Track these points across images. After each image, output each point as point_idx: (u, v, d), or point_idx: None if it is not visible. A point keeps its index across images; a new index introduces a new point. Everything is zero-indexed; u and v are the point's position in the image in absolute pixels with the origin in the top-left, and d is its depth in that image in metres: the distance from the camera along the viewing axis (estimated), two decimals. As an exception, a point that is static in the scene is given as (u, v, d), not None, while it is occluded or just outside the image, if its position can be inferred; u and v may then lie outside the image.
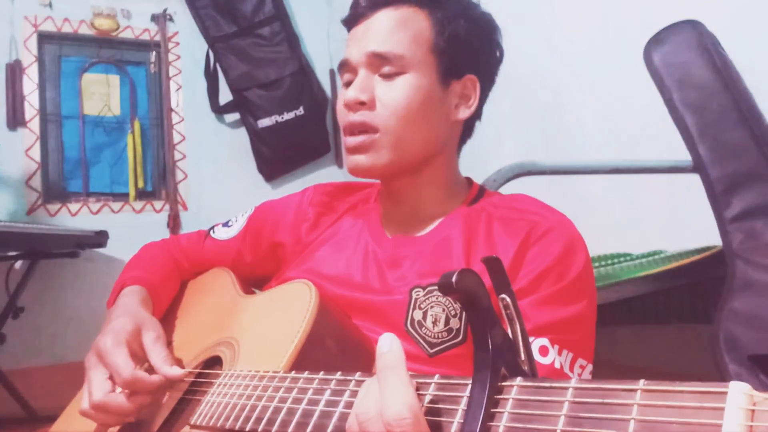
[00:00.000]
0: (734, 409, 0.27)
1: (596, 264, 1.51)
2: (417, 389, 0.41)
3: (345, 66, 0.78)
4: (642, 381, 0.31)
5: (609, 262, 1.51)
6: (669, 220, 1.58)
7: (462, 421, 0.37)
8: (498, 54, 0.83)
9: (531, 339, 0.64)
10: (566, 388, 0.34)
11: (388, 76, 0.74)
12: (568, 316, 0.67)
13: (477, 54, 0.79)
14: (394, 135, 0.74)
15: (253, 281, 0.92)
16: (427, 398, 0.40)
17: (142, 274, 0.87)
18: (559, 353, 0.65)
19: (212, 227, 0.97)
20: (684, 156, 1.14)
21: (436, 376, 0.41)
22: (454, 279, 0.37)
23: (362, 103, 0.74)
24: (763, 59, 1.26)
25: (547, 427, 0.33)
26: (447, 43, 0.75)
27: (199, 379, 0.70)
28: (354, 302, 0.74)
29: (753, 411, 0.27)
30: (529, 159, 1.31)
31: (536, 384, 0.36)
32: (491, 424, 0.36)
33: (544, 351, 0.64)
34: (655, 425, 0.30)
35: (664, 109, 1.15)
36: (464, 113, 0.79)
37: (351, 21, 0.80)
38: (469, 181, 0.86)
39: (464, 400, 0.38)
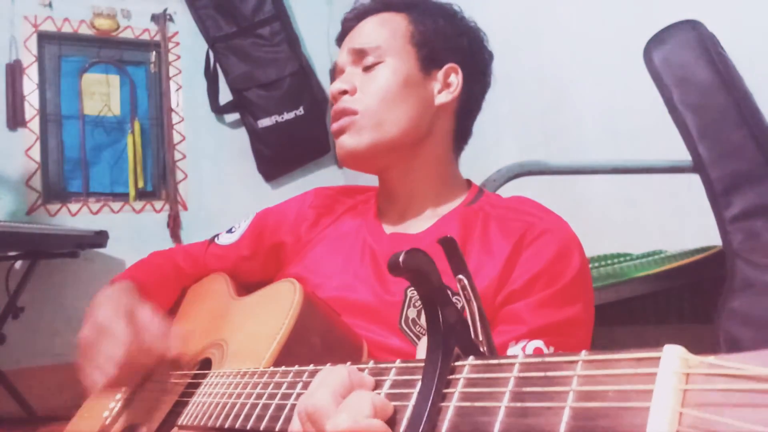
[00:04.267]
0: (667, 374, 0.27)
1: (596, 264, 1.51)
2: (378, 374, 0.41)
3: (334, 71, 0.85)
4: (584, 352, 0.31)
5: (609, 262, 1.51)
6: (669, 220, 1.58)
7: (414, 403, 0.36)
8: (485, 55, 0.86)
9: (525, 342, 0.64)
10: (512, 365, 0.34)
11: (368, 68, 0.80)
12: (564, 319, 0.67)
13: (456, 45, 0.83)
14: (373, 114, 0.77)
15: (255, 285, 0.93)
16: (387, 383, 0.40)
17: (133, 273, 0.88)
18: None
19: (216, 235, 0.98)
20: (684, 156, 1.14)
21: (398, 360, 0.41)
22: (401, 258, 0.36)
23: (344, 92, 0.80)
24: (763, 59, 1.26)
25: (493, 404, 0.33)
26: (424, 35, 0.81)
27: (194, 381, 0.70)
28: (349, 300, 0.75)
29: (688, 375, 0.26)
30: (529, 159, 1.31)
31: (486, 362, 0.36)
32: (442, 404, 0.35)
33: (538, 353, 0.64)
34: (592, 395, 0.29)
35: (664, 108, 1.15)
36: (447, 97, 0.81)
37: (341, 37, 0.87)
38: (468, 182, 0.87)
39: (419, 383, 0.38)
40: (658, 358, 0.28)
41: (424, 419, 0.34)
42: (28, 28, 2.67)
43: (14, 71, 2.61)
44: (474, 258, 0.71)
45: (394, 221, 0.83)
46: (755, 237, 1.05)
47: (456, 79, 0.81)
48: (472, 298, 0.40)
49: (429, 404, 0.35)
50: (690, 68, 1.12)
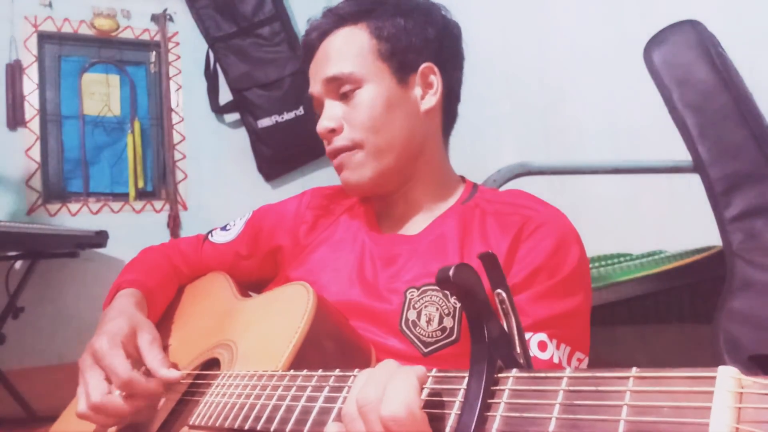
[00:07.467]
0: (723, 392, 0.28)
1: (596, 264, 1.51)
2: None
3: (312, 100, 0.83)
4: (634, 368, 0.32)
5: (609, 262, 1.51)
6: (669, 220, 1.58)
7: (459, 412, 0.37)
8: (455, 32, 0.83)
9: (529, 335, 0.65)
10: (561, 378, 0.35)
11: (346, 96, 0.78)
12: (565, 310, 0.68)
13: (423, 42, 0.80)
14: (371, 146, 0.77)
15: (251, 285, 0.93)
16: (425, 392, 0.41)
17: (139, 277, 0.86)
18: (557, 347, 0.65)
19: (210, 231, 0.97)
20: (684, 156, 1.14)
21: (434, 369, 0.42)
22: (451, 273, 0.37)
23: (332, 131, 0.78)
24: (763, 59, 1.26)
25: (543, 416, 0.34)
26: (390, 46, 0.78)
27: (197, 381, 0.70)
28: (350, 303, 0.74)
29: (741, 394, 0.28)
30: (529, 159, 1.31)
31: (532, 375, 0.37)
32: (488, 414, 0.36)
33: (542, 346, 0.65)
34: (647, 410, 0.30)
35: (664, 108, 1.15)
36: (431, 101, 0.80)
37: (306, 61, 0.84)
38: (462, 179, 0.87)
39: (461, 392, 0.38)
40: (714, 377, 0.29)
41: (473, 427, 0.35)
42: (28, 28, 2.67)
43: (14, 71, 2.61)
44: (474, 255, 0.71)
45: (391, 223, 0.84)
46: (755, 237, 1.05)
47: (435, 79, 0.80)
48: (511, 313, 0.41)
49: (476, 413, 0.36)
50: (690, 68, 1.12)
